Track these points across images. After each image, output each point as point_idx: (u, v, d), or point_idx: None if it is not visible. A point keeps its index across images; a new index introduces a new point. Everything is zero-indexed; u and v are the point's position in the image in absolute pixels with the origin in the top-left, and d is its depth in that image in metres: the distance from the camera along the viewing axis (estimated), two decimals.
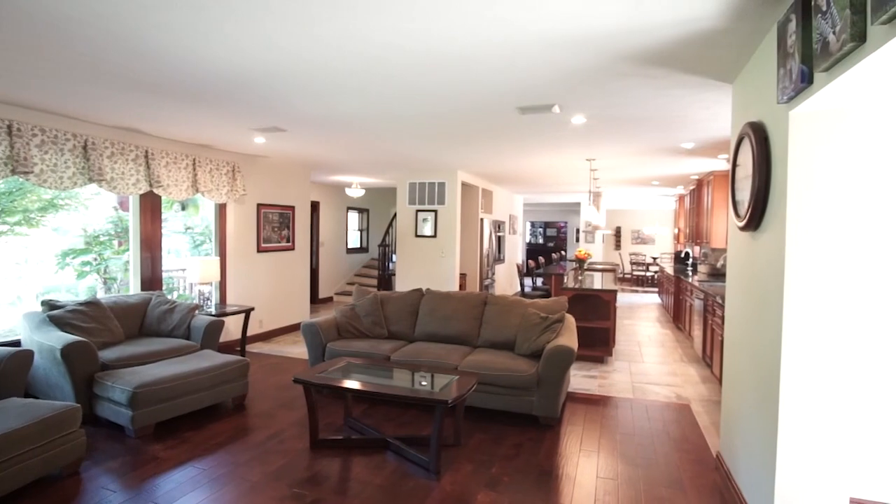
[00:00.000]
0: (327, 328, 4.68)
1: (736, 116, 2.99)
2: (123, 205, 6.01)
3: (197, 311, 4.85)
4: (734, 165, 2.83)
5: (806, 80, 1.83)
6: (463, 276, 8.28)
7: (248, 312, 5.68)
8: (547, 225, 21.03)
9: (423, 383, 3.43)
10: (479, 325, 4.69)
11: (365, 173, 8.26)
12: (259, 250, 6.63)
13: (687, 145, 5.16)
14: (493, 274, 9.48)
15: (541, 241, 21.12)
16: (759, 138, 2.39)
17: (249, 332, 6.26)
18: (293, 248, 7.31)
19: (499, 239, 10.40)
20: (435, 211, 7.47)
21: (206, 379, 3.82)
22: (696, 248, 9.87)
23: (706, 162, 6.36)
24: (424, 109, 3.89)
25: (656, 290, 13.01)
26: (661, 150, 5.53)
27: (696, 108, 3.70)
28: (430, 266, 7.56)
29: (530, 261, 10.22)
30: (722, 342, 4.37)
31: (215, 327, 4.63)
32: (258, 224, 6.61)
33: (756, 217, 2.45)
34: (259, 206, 6.62)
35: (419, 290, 5.12)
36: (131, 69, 2.98)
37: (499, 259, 10.27)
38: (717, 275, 7.75)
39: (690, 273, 8.77)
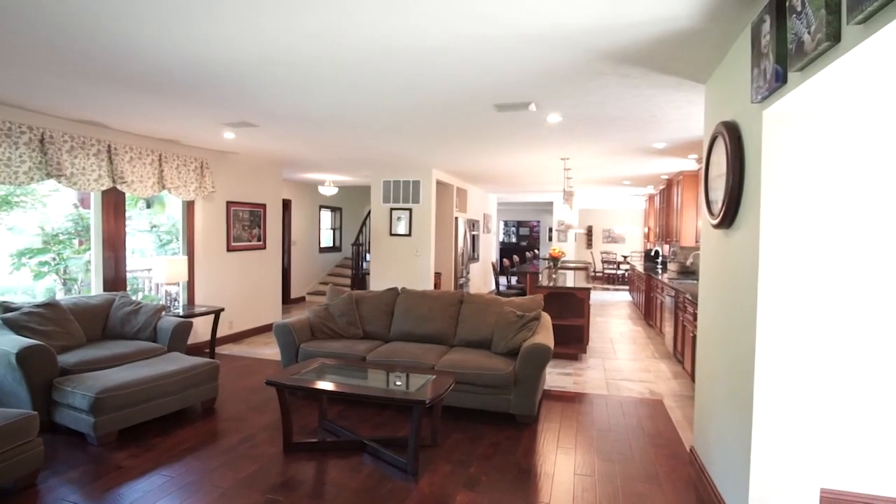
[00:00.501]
0: (300, 329, 4.58)
1: (709, 116, 3.04)
2: (84, 202, 5.77)
3: (163, 313, 4.68)
4: (707, 164, 2.88)
5: (780, 80, 1.86)
6: (438, 275, 8.25)
7: (217, 313, 5.52)
8: (520, 224, 21.20)
9: (400, 384, 3.38)
10: (456, 324, 4.66)
11: (338, 171, 8.14)
12: (229, 249, 6.45)
13: (659, 145, 5.24)
14: (468, 273, 9.48)
15: (514, 240, 21.28)
16: (733, 137, 2.43)
17: (219, 334, 6.09)
18: (264, 247, 7.14)
19: (473, 238, 10.40)
20: (410, 209, 7.41)
21: (174, 382, 3.68)
22: (666, 247, 10.09)
23: (676, 162, 6.49)
24: (401, 105, 3.84)
25: (627, 287, 13.24)
26: (634, 150, 5.61)
27: (669, 109, 3.75)
28: (404, 265, 7.50)
29: (505, 259, 10.25)
30: (694, 339, 4.46)
31: (183, 329, 4.48)
32: (228, 222, 6.43)
33: (730, 215, 2.49)
34: (229, 203, 6.44)
35: (394, 289, 5.06)
36: (91, 58, 2.83)
37: (473, 258, 10.28)
38: (687, 272, 7.93)
39: (660, 271, 8.94)
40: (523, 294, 7.27)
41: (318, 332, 4.69)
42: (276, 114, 4.12)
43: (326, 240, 11.65)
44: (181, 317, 4.90)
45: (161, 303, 5.07)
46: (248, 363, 5.52)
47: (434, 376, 3.40)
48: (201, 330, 5.86)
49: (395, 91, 3.43)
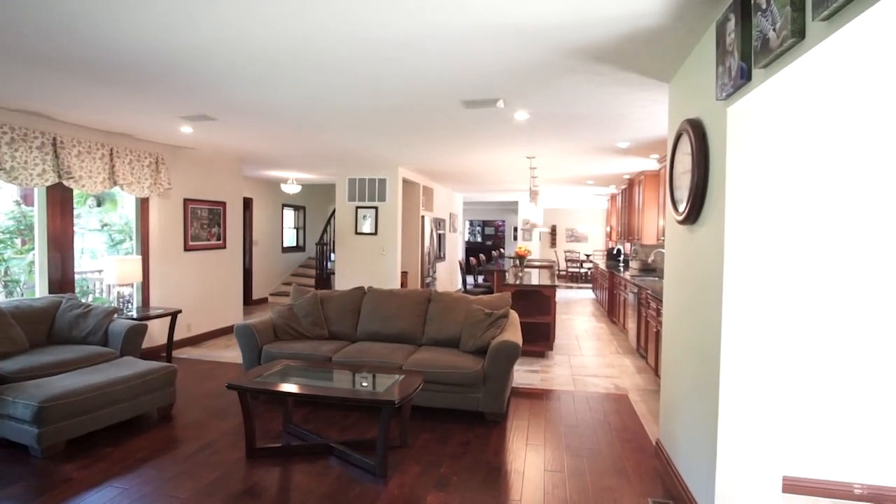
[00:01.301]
0: (263, 330, 4.43)
1: (673, 114, 3.09)
2: (28, 198, 5.42)
3: (115, 315, 4.45)
4: (672, 162, 2.93)
5: (745, 77, 1.90)
6: (404, 273, 8.17)
7: (174, 315, 5.29)
8: (485, 223, 21.33)
9: (367, 384, 3.30)
10: (424, 322, 4.61)
11: (302, 168, 7.95)
12: (186, 249, 6.20)
13: (623, 144, 5.34)
14: (435, 272, 9.44)
15: (479, 239, 21.40)
16: (698, 134, 2.47)
17: (177, 337, 5.85)
18: (224, 247, 6.90)
19: (440, 237, 10.37)
20: (375, 208, 7.31)
21: (126, 389, 3.49)
22: (628, 245, 10.32)
23: (639, 162, 6.63)
24: (365, 100, 3.76)
25: (590, 285, 13.49)
26: (598, 149, 5.70)
27: (634, 107, 3.81)
28: (370, 264, 7.39)
29: (471, 258, 10.25)
30: (657, 334, 4.55)
31: (136, 332, 4.26)
32: (185, 220, 6.18)
33: (695, 211, 2.53)
34: (186, 201, 6.19)
35: (361, 288, 4.96)
36: (32, 41, 2.64)
37: (440, 257, 10.24)
38: (648, 270, 8.12)
39: (622, 269, 9.13)
40: (490, 292, 7.28)
41: (282, 333, 4.55)
42: (234, 107, 3.97)
43: (290, 239, 11.39)
44: (135, 319, 4.66)
45: (113, 305, 4.81)
46: (207, 367, 5.31)
47: (402, 376, 3.34)
48: (157, 333, 5.60)
49: (358, 85, 3.35)
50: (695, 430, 2.55)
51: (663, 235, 6.21)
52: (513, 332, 4.12)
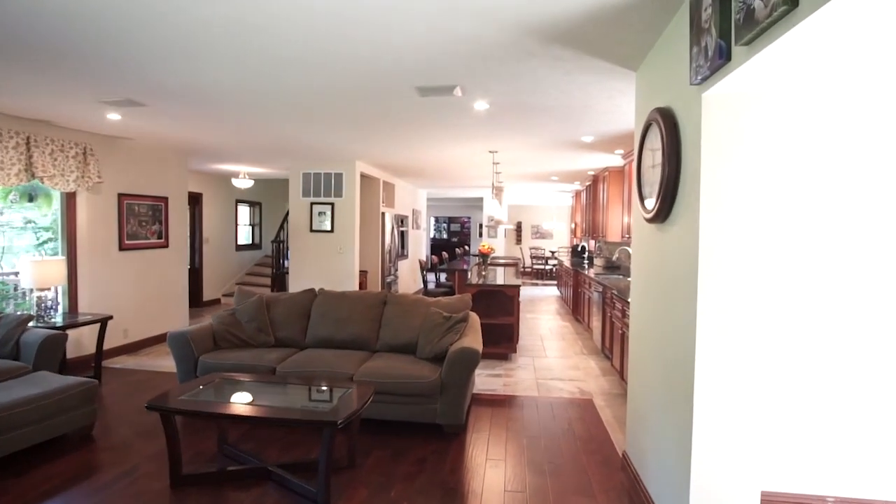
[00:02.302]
0: (200, 338, 4.03)
1: (640, 105, 2.88)
2: None
3: (31, 324, 3.97)
4: (640, 155, 2.72)
5: (723, 56, 1.68)
6: (364, 273, 7.83)
7: (104, 322, 4.80)
8: (451, 220, 21.09)
9: (312, 399, 2.98)
10: (378, 327, 4.30)
11: (253, 161, 7.49)
12: (122, 248, 5.70)
13: (587, 139, 5.15)
14: (396, 270, 9.13)
15: (445, 236, 21.15)
16: (669, 124, 2.25)
17: (112, 344, 5.38)
18: (167, 245, 6.40)
19: (402, 234, 10.05)
20: (332, 204, 6.94)
21: (35, 409, 3.06)
22: (592, 242, 10.26)
23: (603, 158, 6.48)
24: (311, 85, 3.42)
25: (555, 283, 13.43)
26: (562, 144, 5.50)
27: (600, 98, 3.60)
28: (327, 263, 7.02)
29: (433, 256, 9.97)
30: (623, 336, 4.38)
31: (53, 343, 3.80)
32: (120, 217, 5.67)
33: (665, 208, 2.32)
34: (121, 196, 5.68)
35: (311, 290, 4.62)
36: None
37: (402, 255, 9.93)
38: (613, 267, 8.04)
39: (587, 266, 9.04)
40: (452, 293, 7.02)
41: (223, 340, 4.16)
42: (164, 90, 3.56)
43: (245, 237, 10.85)
44: (56, 328, 4.18)
45: (27, 313, 4.31)
46: (142, 378, 4.86)
47: (351, 389, 3.03)
48: (88, 341, 5.10)
49: (302, 67, 3.02)
50: (665, 443, 2.34)
51: (628, 233, 6.09)
52: (473, 338, 3.86)
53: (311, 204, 6.98)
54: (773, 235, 2.46)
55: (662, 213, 2.36)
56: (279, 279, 9.47)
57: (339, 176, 6.91)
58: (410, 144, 5.64)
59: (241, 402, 2.94)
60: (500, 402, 4.27)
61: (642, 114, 2.77)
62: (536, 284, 13.97)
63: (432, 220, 20.59)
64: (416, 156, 6.51)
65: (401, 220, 9.90)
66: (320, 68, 3.04)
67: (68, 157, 4.88)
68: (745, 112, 1.91)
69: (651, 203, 2.48)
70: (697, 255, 1.97)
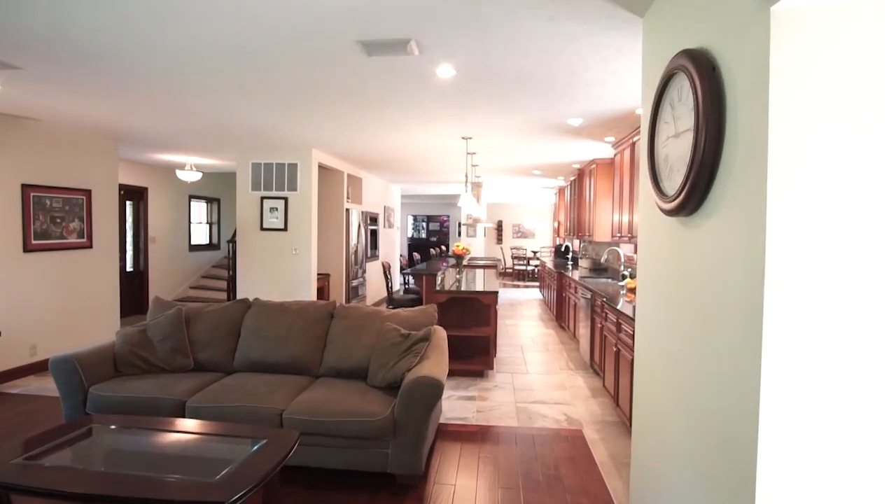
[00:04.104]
0: (94, 363, 3.21)
1: (653, 56, 2.14)
2: None
3: None
4: (653, 125, 1.99)
5: None
6: (325, 276, 7.02)
7: None
8: (430, 219, 20.34)
9: (207, 456, 2.20)
10: (323, 346, 3.52)
11: (198, 151, 6.62)
12: (28, 249, 4.81)
13: (574, 121, 4.43)
14: (364, 273, 8.33)
15: (424, 235, 20.39)
16: (704, 71, 1.53)
17: (16, 363, 4.53)
18: (90, 246, 5.52)
19: (372, 233, 9.26)
20: (285, 198, 6.12)
21: None
22: (577, 242, 9.60)
23: (591, 147, 5.79)
24: (228, 43, 2.63)
25: (537, 284, 12.78)
26: (546, 128, 4.78)
27: (591, 60, 2.87)
28: (279, 266, 6.20)
29: (402, 258, 9.18)
30: (618, 355, 3.67)
31: None
32: (26, 213, 4.78)
33: (696, 194, 1.59)
34: (27, 187, 4.79)
35: (243, 301, 3.81)
36: None
37: (372, 256, 9.14)
38: (600, 270, 7.37)
39: (571, 267, 8.38)
40: (420, 301, 6.24)
41: (126, 365, 3.34)
42: (42, 45, 2.73)
43: (200, 236, 9.93)
44: None
45: None
46: (38, 406, 3.99)
47: (265, 441, 2.25)
48: None
49: (212, 16, 2.23)
50: None
51: (619, 232, 5.40)
52: (436, 360, 3.11)
53: (262, 199, 6.15)
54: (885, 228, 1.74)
55: (692, 202, 1.63)
56: (236, 283, 8.60)
57: (293, 167, 6.09)
58: (366, 127, 4.85)
59: (91, 471, 2.11)
60: (472, 436, 3.53)
61: (656, 67, 2.03)
62: (518, 286, 13.30)
63: (410, 219, 19.83)
64: (378, 143, 5.73)
65: (371, 218, 9.10)
66: (235, 16, 2.26)
67: None
68: (845, 34, 1.18)
69: (672, 189, 1.75)
70: (762, 262, 1.24)
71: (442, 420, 3.78)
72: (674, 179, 1.76)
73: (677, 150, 1.74)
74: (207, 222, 10.14)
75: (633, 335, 3.26)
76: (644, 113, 2.17)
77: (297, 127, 4.92)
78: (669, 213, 1.81)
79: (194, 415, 2.91)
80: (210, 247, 10.13)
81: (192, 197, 9.46)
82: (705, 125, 1.50)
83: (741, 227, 1.36)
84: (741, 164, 1.36)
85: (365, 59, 2.84)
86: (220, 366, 3.52)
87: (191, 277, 9.47)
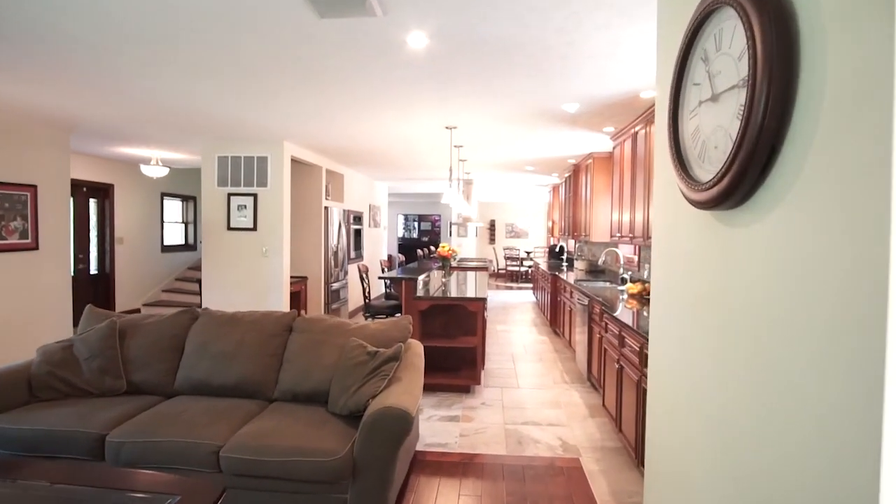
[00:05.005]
0: (3, 386, 2.70)
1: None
2: None
3: None
4: (677, 92, 1.50)
5: None
6: (302, 279, 6.52)
7: None
8: (421, 218, 19.87)
9: None
10: (279, 364, 3.03)
11: (161, 143, 6.09)
12: None
13: (570, 107, 3.96)
14: (346, 275, 7.83)
15: (415, 235, 19.91)
16: (765, 4, 1.05)
17: None
18: (36, 247, 4.99)
19: (356, 233, 8.76)
20: (254, 195, 5.60)
21: None
22: (572, 242, 9.15)
23: (587, 139, 5.33)
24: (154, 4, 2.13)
25: (531, 286, 12.33)
26: (538, 115, 4.30)
27: (591, 27, 2.40)
28: (249, 269, 5.68)
29: (382, 260, 8.66)
30: (621, 372, 3.20)
31: None
32: None
33: (749, 178, 1.11)
34: None
35: (190, 311, 3.31)
36: None
37: (356, 257, 8.64)
38: (597, 272, 6.92)
39: (566, 269, 7.92)
40: (399, 309, 5.74)
41: (44, 388, 2.83)
42: None
43: (175, 236, 9.38)
44: None
45: None
46: None
47: (177, 500, 1.76)
48: None
49: None
50: None
51: (618, 232, 4.93)
52: (407, 385, 2.62)
53: (229, 195, 5.63)
54: None
55: (740, 189, 1.14)
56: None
57: (262, 160, 5.57)
58: (336, 114, 4.33)
59: None
60: (453, 468, 3.05)
61: (682, 13, 1.55)
62: (511, 288, 12.84)
63: (401, 219, 19.36)
64: (355, 134, 5.23)
65: (355, 218, 8.60)
66: None
67: None
68: None
69: (708, 173, 1.28)
70: (887, 273, 0.76)
71: (419, 447, 3.30)
72: (709, 160, 1.29)
73: (715, 118, 1.27)
74: (182, 221, 9.61)
75: (640, 352, 2.80)
76: (661, 76, 1.69)
77: (263, 116, 4.42)
78: (702, 205, 1.33)
79: (114, 453, 2.42)
80: (185, 247, 9.59)
81: (164, 195, 8.93)
82: (767, 75, 1.02)
83: (835, 221, 0.88)
84: (831, 128, 0.89)
85: (317, 21, 2.35)
86: (158, 388, 3.02)
87: (163, 280, 8.93)
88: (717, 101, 1.27)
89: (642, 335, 2.75)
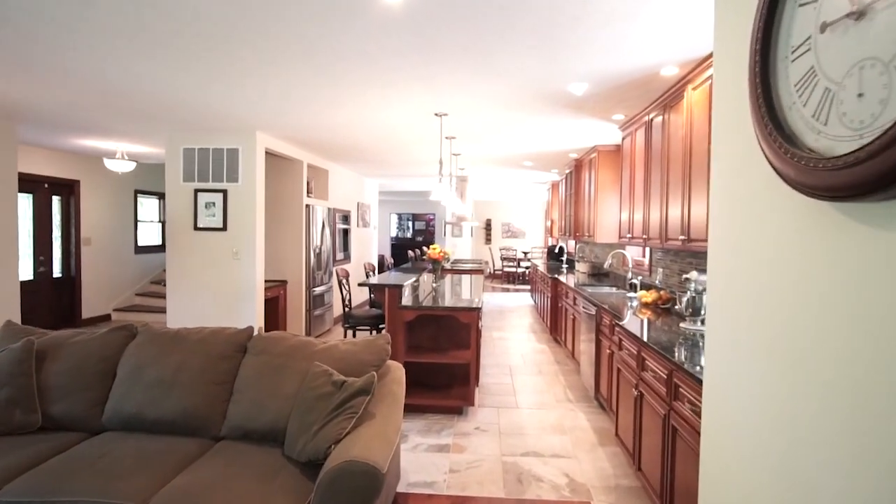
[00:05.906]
0: None
1: None
2: None
3: None
4: (770, 13, 0.98)
5: None
6: (281, 284, 5.98)
7: None
8: (415, 217, 19.33)
9: None
10: (229, 394, 2.50)
11: (122, 135, 5.53)
12: None
13: (577, 88, 3.44)
14: (331, 278, 7.29)
15: (409, 235, 19.38)
16: None
17: None
18: None
19: (344, 232, 8.23)
20: (224, 191, 5.06)
21: None
22: (572, 243, 8.65)
23: (592, 130, 4.82)
24: None
25: (528, 287, 11.83)
26: (540, 98, 3.78)
27: None
28: (218, 273, 5.13)
29: (368, 263, 8.12)
30: (641, 400, 2.69)
31: None
32: None
33: None
34: None
35: (126, 327, 2.77)
36: None
37: (343, 259, 8.11)
38: (600, 275, 6.42)
39: (566, 271, 7.43)
40: (382, 319, 5.20)
41: None
42: None
43: (150, 236, 8.82)
44: None
45: None
46: None
47: None
48: None
49: None
50: None
51: (629, 232, 4.42)
52: (380, 424, 2.10)
53: (196, 191, 5.08)
54: None
55: None
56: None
57: (233, 153, 5.03)
58: (309, 96, 3.77)
59: None
60: None
61: None
62: (508, 290, 12.33)
63: (394, 218, 18.82)
64: (335, 122, 4.69)
65: (341, 217, 8.07)
66: None
67: None
68: None
69: (848, 139, 0.77)
70: None
71: (402, 487, 2.78)
72: (843, 119, 0.78)
73: (858, 46, 0.75)
74: (159, 221, 9.04)
75: (668, 380, 2.29)
76: (753, 17, 1.17)
77: (229, 101, 3.89)
78: (827, 192, 0.81)
79: None
80: (162, 248, 9.02)
81: (138, 192, 8.36)
82: None
83: None
84: None
85: None
86: (81, 423, 2.49)
87: (137, 283, 8.37)
88: (861, 20, 0.76)
89: (671, 361, 2.24)
